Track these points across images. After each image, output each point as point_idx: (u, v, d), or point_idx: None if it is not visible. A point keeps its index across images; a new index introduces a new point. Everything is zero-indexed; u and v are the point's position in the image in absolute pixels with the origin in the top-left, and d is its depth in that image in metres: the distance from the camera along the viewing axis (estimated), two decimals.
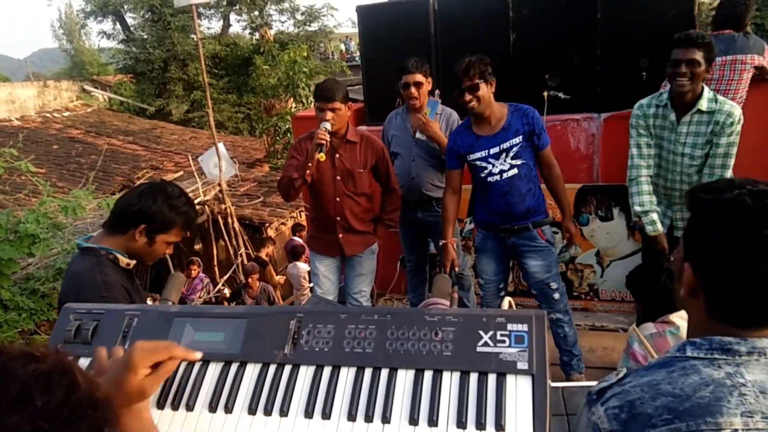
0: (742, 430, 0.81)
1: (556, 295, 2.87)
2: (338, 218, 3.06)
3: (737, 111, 2.59)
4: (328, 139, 2.75)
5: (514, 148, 2.72)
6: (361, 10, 4.21)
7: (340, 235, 3.09)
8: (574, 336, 2.96)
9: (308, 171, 2.83)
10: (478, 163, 2.80)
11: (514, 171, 2.74)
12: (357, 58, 18.27)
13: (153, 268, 7.05)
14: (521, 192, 2.76)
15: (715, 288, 0.90)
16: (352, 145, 2.99)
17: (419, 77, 3.16)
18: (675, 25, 3.45)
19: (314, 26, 16.85)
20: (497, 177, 2.76)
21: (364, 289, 3.28)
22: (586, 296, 3.86)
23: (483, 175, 2.80)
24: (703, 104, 2.59)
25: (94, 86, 15.48)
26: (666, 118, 2.71)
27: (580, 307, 3.84)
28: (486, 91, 2.68)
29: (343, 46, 22.44)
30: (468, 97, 2.67)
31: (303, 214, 7.07)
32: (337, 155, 2.93)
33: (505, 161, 2.74)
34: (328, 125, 2.76)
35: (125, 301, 1.69)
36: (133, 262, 1.82)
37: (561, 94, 3.75)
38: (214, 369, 1.04)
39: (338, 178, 2.99)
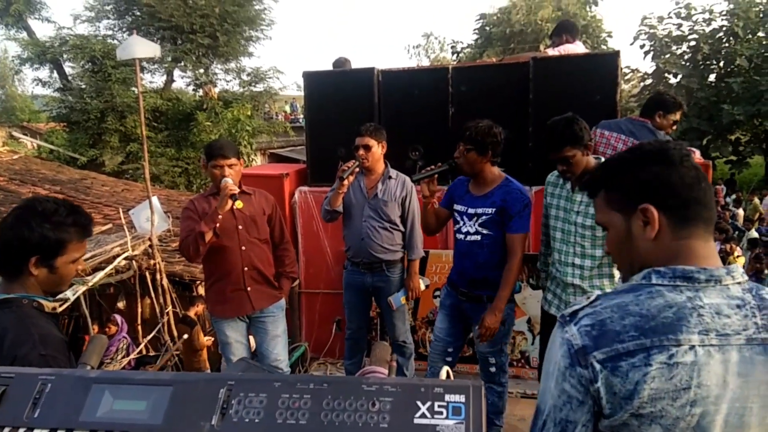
0: (699, 345, 0.94)
1: (493, 369, 2.94)
2: (246, 268, 3.05)
3: None
4: (237, 190, 2.88)
5: (484, 217, 2.81)
6: (308, 76, 4.31)
7: (249, 288, 3.07)
8: (501, 407, 3.00)
9: (218, 223, 2.88)
10: (456, 215, 2.94)
11: (477, 237, 2.83)
12: (301, 120, 18.52)
13: (69, 326, 6.59)
14: (478, 260, 2.84)
15: (682, 207, 1.04)
16: (247, 196, 3.11)
17: (368, 140, 3.30)
18: (600, 108, 3.74)
19: (260, 87, 17.03)
20: (462, 236, 2.89)
21: (281, 355, 3.21)
22: (518, 363, 3.91)
23: (455, 228, 2.94)
24: None
25: (24, 133, 14.87)
26: (563, 188, 2.77)
27: (512, 374, 3.87)
28: (474, 157, 2.80)
29: (288, 108, 22.77)
30: (457, 154, 2.84)
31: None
32: (234, 206, 2.99)
33: (473, 225, 2.84)
34: (229, 180, 2.88)
35: (65, 355, 1.46)
36: (57, 305, 1.60)
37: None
38: None
39: (240, 227, 3.04)
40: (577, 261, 2.68)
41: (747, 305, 0.98)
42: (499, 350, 2.94)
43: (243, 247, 3.04)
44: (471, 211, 2.86)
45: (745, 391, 0.95)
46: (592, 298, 1.05)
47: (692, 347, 0.94)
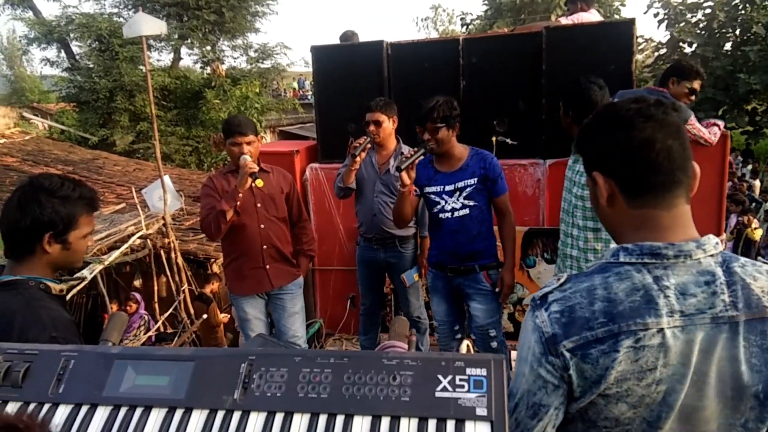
0: (666, 327, 0.94)
1: (494, 344, 2.90)
2: (265, 246, 3.05)
3: None
4: (257, 168, 2.86)
5: (468, 189, 2.78)
6: (316, 51, 4.26)
7: (268, 266, 3.08)
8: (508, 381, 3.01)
9: (239, 201, 2.87)
10: (432, 197, 2.87)
11: (466, 211, 2.80)
12: (309, 97, 18.40)
13: (87, 305, 6.69)
14: (470, 233, 2.81)
15: (625, 174, 1.01)
16: (266, 174, 3.09)
17: (378, 116, 3.26)
18: (614, 78, 3.66)
19: (267, 63, 16.88)
20: (448, 214, 2.82)
21: (299, 332, 3.22)
22: None
23: (435, 210, 2.87)
24: None
25: (34, 114, 14.91)
26: (577, 161, 2.67)
27: None
28: (446, 134, 2.77)
29: (296, 84, 22.61)
30: (427, 136, 2.76)
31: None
32: (254, 184, 2.98)
33: (458, 200, 2.80)
34: (247, 157, 2.86)
35: (76, 336, 1.47)
36: (65, 287, 1.60)
37: (509, 140, 3.88)
38: (156, 415, 0.97)
39: (259, 205, 3.03)
40: (575, 232, 2.66)
41: (717, 281, 0.96)
42: (497, 321, 2.95)
43: (262, 225, 3.04)
44: (450, 187, 2.82)
45: (704, 366, 0.95)
46: (562, 279, 1.03)
47: (660, 330, 0.94)
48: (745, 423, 0.98)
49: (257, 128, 3.05)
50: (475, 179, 2.79)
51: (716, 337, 0.95)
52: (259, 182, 2.86)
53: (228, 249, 3.16)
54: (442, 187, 2.85)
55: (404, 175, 2.67)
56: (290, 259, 3.19)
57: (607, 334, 0.94)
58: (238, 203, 2.88)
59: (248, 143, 2.92)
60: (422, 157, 2.75)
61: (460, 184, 2.81)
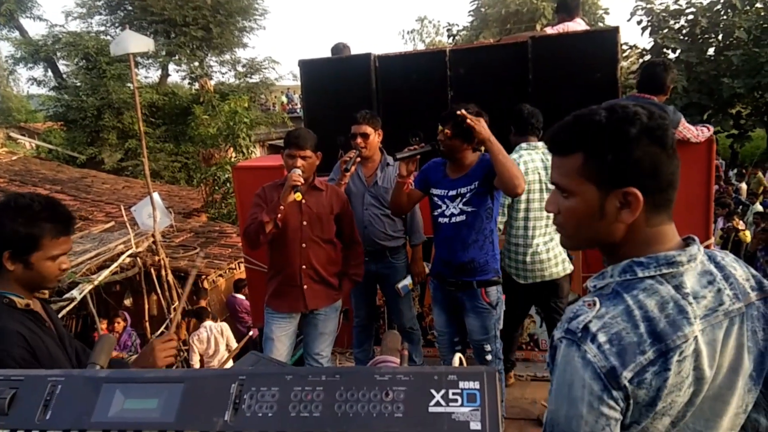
0: (698, 334, 0.94)
1: (489, 357, 2.91)
2: (303, 266, 2.98)
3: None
4: (303, 182, 2.78)
5: (468, 194, 2.77)
6: (304, 64, 4.27)
7: (305, 286, 3.00)
8: (501, 395, 3.00)
9: (280, 214, 2.80)
10: (435, 198, 2.87)
11: (462, 217, 2.79)
12: (298, 110, 18.43)
13: (78, 324, 6.62)
14: (465, 241, 2.79)
15: (656, 189, 0.98)
16: (318, 192, 3.01)
17: (365, 128, 3.26)
18: (600, 86, 3.70)
19: (255, 78, 16.94)
20: (446, 219, 2.82)
21: (324, 351, 3.15)
22: (527, 346, 3.90)
23: (435, 213, 2.87)
24: None
25: (21, 133, 14.83)
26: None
27: (521, 357, 3.87)
28: (458, 145, 2.74)
29: (284, 98, 22.65)
30: (440, 136, 2.74)
31: (242, 265, 6.90)
32: (303, 201, 2.88)
33: (457, 206, 2.79)
34: (299, 171, 2.79)
35: (22, 349, 1.49)
36: (32, 302, 1.61)
37: None
38: None
39: (305, 223, 2.96)
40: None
41: (716, 278, 1.00)
42: (493, 337, 2.93)
43: (303, 245, 2.97)
44: (452, 192, 2.81)
45: (721, 359, 0.98)
46: (594, 306, 0.98)
47: (695, 337, 0.94)
48: (746, 408, 1.02)
49: (317, 144, 2.94)
50: (477, 182, 2.75)
51: (730, 330, 0.98)
52: (298, 195, 2.74)
53: (270, 263, 3.12)
54: (446, 191, 2.84)
55: (402, 166, 2.73)
56: (330, 281, 3.09)
57: (657, 353, 0.92)
58: (279, 216, 2.81)
59: (303, 157, 2.85)
60: (424, 151, 2.74)
61: (463, 190, 2.79)
